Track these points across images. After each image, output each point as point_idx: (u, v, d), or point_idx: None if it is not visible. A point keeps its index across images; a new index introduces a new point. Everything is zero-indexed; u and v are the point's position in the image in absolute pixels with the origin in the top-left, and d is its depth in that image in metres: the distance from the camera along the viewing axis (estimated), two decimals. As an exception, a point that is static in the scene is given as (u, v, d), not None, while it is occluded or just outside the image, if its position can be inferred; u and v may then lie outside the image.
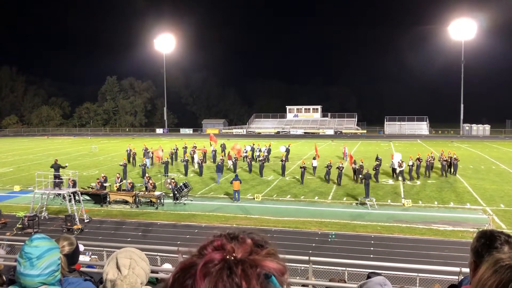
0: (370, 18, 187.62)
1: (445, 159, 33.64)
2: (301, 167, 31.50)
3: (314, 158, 35.34)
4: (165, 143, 62.15)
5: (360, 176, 29.06)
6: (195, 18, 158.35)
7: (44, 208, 23.20)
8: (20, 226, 20.67)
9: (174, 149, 42.33)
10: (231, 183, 26.59)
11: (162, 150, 39.40)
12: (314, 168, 33.95)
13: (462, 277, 3.14)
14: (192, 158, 39.33)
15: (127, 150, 41.82)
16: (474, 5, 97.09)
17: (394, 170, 32.33)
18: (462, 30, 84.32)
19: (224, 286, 0.81)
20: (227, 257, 0.86)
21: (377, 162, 33.20)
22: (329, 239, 18.78)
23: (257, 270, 0.85)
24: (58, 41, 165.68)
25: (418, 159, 32.85)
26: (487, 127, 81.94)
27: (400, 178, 31.35)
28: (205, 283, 0.82)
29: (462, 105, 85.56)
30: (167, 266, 8.79)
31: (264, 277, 0.85)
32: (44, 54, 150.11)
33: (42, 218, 22.36)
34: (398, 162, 31.80)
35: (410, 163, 32.13)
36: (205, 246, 0.91)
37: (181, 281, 0.86)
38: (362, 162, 31.14)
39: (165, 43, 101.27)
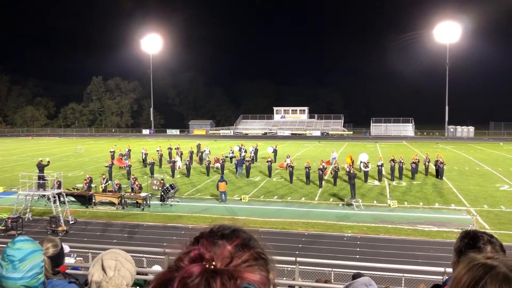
0: (357, 21, 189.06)
1: (428, 161, 33.95)
2: (289, 167, 31.62)
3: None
4: (152, 144, 61.78)
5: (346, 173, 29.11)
6: (182, 18, 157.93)
7: (28, 210, 22.88)
8: (3, 228, 20.36)
9: (159, 151, 42.13)
10: (217, 184, 26.52)
11: (146, 154, 39.47)
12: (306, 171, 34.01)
13: (447, 277, 3.18)
14: (180, 158, 39.19)
15: (111, 151, 41.48)
16: (459, 8, 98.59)
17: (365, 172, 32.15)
18: (447, 33, 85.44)
19: None
20: (206, 266, 0.81)
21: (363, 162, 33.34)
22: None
23: (236, 282, 0.80)
24: (43, 40, 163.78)
25: (401, 161, 32.94)
26: (471, 128, 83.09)
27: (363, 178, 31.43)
28: None
29: (447, 107, 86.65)
30: (157, 268, 8.74)
31: None
32: (29, 53, 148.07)
33: (26, 220, 22.03)
34: (364, 163, 31.88)
35: (379, 163, 32.29)
36: (182, 258, 0.85)
37: None
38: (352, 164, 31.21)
39: (152, 43, 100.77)
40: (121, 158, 38.61)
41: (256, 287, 0.82)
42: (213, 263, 0.82)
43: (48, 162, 26.85)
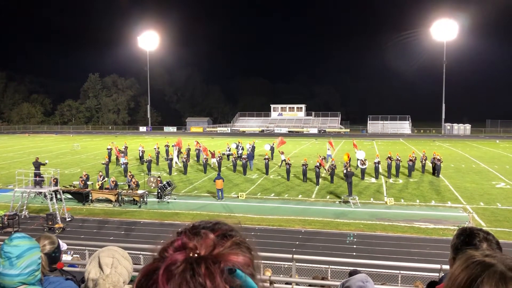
0: (354, 19, 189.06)
1: (425, 158, 34.04)
2: (286, 163, 31.68)
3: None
4: (149, 141, 61.70)
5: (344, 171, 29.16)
6: (179, 15, 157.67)
7: (25, 207, 22.82)
8: (-1, 225, 20.32)
9: (156, 148, 42.05)
10: (214, 182, 26.52)
11: (143, 151, 39.53)
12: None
13: (443, 274, 3.19)
14: (177, 156, 39.19)
15: (107, 148, 41.41)
16: (456, 6, 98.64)
17: (363, 170, 32.21)
18: (444, 31, 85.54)
19: (189, 287, 0.78)
20: (190, 255, 0.82)
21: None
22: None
23: (220, 265, 0.81)
24: (39, 37, 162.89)
25: (397, 158, 32.98)
26: (468, 126, 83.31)
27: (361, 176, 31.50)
28: (168, 287, 0.78)
29: (443, 105, 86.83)
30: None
31: (229, 271, 0.81)
32: (25, 50, 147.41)
33: (22, 217, 21.99)
34: (361, 161, 31.95)
35: (376, 161, 32.38)
36: (166, 248, 0.87)
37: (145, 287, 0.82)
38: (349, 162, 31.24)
39: (149, 40, 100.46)
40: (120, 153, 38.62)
41: (240, 268, 0.84)
42: (197, 251, 0.84)
43: (46, 162, 26.76)
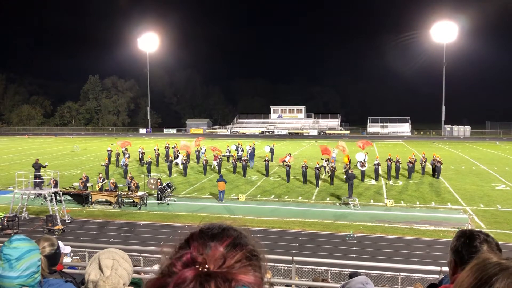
0: (354, 20, 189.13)
1: (425, 160, 34.03)
2: (286, 165, 31.68)
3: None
4: (148, 143, 61.70)
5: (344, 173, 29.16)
6: (179, 17, 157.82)
7: (25, 209, 22.80)
8: (-1, 227, 20.30)
9: (156, 149, 42.01)
10: (217, 183, 26.48)
11: (143, 153, 39.65)
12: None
13: (443, 276, 3.19)
14: (176, 157, 39.22)
15: (107, 150, 41.40)
16: (456, 8, 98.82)
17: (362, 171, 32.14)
18: (444, 33, 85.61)
19: None
20: (200, 270, 0.80)
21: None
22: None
23: (231, 285, 0.79)
24: (39, 38, 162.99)
25: (397, 160, 32.95)
26: (468, 128, 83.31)
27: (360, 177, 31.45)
28: None
29: (443, 107, 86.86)
30: (157, 267, 8.72)
31: None
32: (25, 52, 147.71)
33: (22, 219, 21.98)
34: (361, 162, 31.93)
35: (376, 163, 32.35)
36: (174, 263, 0.84)
37: None
38: (349, 164, 31.23)
39: (149, 42, 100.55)
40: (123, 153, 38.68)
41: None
42: (206, 266, 0.82)
43: (46, 165, 26.75)
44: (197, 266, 0.82)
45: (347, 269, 10.67)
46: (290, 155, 35.61)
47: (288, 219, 21.88)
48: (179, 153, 39.62)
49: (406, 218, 21.97)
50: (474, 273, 1.02)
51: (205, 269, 0.81)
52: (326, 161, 33.99)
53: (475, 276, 1.01)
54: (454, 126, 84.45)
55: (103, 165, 33.90)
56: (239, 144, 43.70)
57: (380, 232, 19.80)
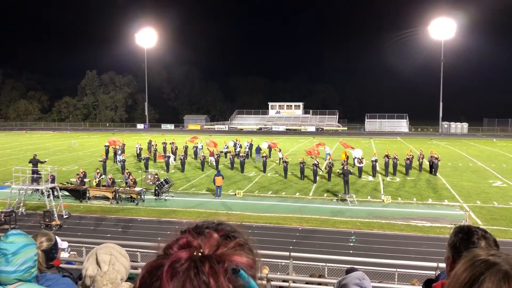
0: (352, 17, 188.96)
1: (422, 157, 34.06)
2: (284, 161, 31.71)
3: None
4: (146, 138, 61.55)
5: (338, 171, 29.18)
6: (177, 12, 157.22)
7: (22, 204, 22.77)
8: (-4, 222, 20.27)
9: (154, 145, 41.93)
10: (214, 179, 26.50)
11: (141, 149, 39.56)
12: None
13: (439, 272, 3.19)
14: (174, 153, 39.19)
15: (105, 146, 41.31)
16: (454, 5, 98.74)
17: (360, 168, 32.24)
18: (442, 30, 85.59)
19: (192, 285, 0.78)
20: (194, 254, 0.83)
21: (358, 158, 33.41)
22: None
23: (224, 265, 0.82)
24: (37, 33, 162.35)
25: (395, 157, 32.97)
26: (465, 125, 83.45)
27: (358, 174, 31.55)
28: (172, 284, 0.79)
29: (441, 103, 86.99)
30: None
31: (232, 271, 0.83)
32: (22, 47, 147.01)
33: (19, 214, 21.94)
34: (358, 159, 31.95)
35: (373, 159, 32.42)
36: (171, 245, 0.88)
37: (148, 284, 0.82)
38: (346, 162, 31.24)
39: (147, 37, 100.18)
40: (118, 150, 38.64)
41: (243, 268, 0.85)
42: (201, 250, 0.85)
43: (45, 161, 26.70)
44: (192, 250, 0.85)
45: (344, 265, 10.70)
46: (280, 150, 36.02)
47: (285, 215, 21.91)
48: (174, 156, 39.57)
49: (403, 214, 22.02)
50: (464, 271, 1.03)
51: (200, 253, 0.84)
52: (329, 155, 33.98)
53: (465, 275, 1.02)
54: (451, 122, 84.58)
55: (100, 161, 33.84)
56: (237, 140, 43.67)
57: (377, 228, 19.84)
